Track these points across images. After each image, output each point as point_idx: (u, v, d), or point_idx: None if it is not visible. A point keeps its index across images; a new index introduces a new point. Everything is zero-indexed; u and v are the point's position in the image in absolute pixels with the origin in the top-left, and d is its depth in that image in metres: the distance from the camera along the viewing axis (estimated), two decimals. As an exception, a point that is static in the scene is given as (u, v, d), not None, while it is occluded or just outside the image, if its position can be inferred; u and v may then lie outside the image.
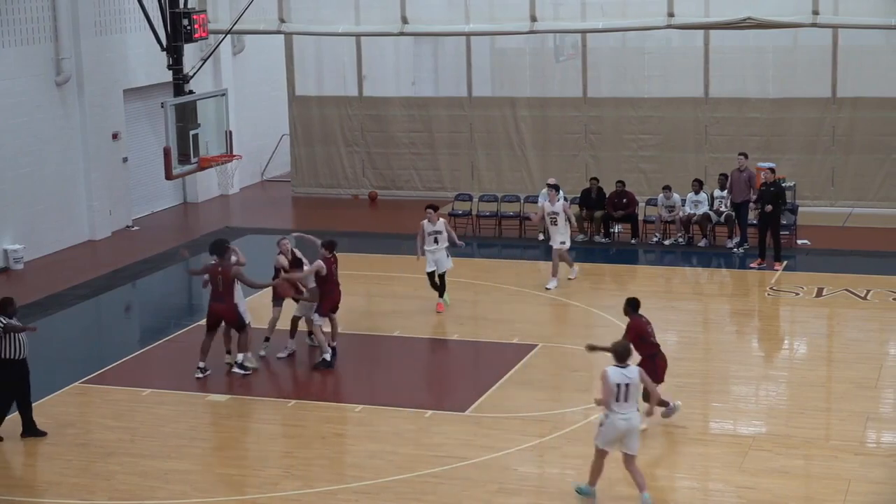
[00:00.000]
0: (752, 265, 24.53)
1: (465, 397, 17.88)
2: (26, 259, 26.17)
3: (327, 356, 19.00)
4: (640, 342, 15.88)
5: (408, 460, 15.74)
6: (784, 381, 18.79)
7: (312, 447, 16.34)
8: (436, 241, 21.65)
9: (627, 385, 13.91)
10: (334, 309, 19.31)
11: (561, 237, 23.26)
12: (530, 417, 17.00)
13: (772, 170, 24.76)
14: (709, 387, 18.45)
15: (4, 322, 16.29)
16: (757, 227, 24.96)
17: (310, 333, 19.70)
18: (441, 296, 21.90)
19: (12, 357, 16.39)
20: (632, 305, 16.43)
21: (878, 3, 26.41)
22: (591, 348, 15.51)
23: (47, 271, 25.82)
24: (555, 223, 23.29)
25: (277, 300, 19.71)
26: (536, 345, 19.95)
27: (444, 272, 21.90)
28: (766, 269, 24.28)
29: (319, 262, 19.08)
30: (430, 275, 21.81)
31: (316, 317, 19.09)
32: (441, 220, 21.81)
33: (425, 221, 21.70)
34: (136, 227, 29.71)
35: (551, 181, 27.67)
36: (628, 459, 14.19)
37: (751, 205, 25.74)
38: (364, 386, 18.73)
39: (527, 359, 19.38)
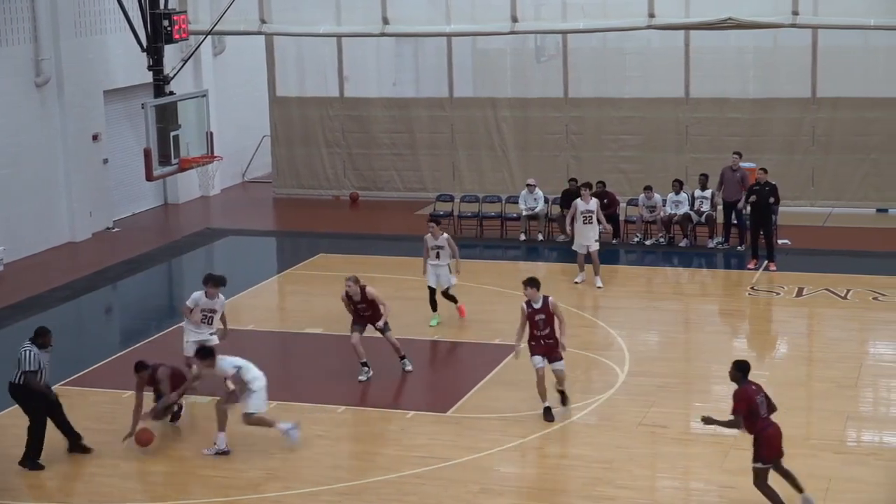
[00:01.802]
0: (748, 266, 24.57)
1: (446, 398, 17.90)
2: (6, 261, 26.07)
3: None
4: (749, 416, 13.85)
5: (390, 461, 15.74)
6: (765, 380, 18.64)
7: (294, 449, 16.31)
8: (438, 255, 21.09)
9: None
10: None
11: (595, 235, 23.53)
12: (512, 418, 17.02)
13: (763, 169, 24.80)
14: (690, 386, 18.50)
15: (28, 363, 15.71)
16: (749, 228, 25.02)
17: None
18: (456, 303, 21.58)
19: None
20: (740, 369, 14.08)
21: (856, 4, 26.52)
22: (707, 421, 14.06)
23: (27, 273, 25.73)
24: (589, 221, 23.45)
25: (357, 325, 18.78)
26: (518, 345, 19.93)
27: (448, 288, 21.35)
28: (759, 269, 24.32)
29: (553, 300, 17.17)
30: (431, 291, 21.32)
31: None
32: (444, 234, 21.16)
33: (428, 235, 21.21)
34: (116, 229, 29.63)
35: (530, 181, 27.81)
36: None
37: (741, 203, 25.78)
38: (346, 387, 18.70)
39: (508, 359, 19.36)
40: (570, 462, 15.63)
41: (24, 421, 16.08)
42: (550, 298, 17.01)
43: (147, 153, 23.44)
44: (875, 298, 22.38)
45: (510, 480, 15.43)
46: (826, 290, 22.92)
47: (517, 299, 22.57)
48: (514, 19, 28.25)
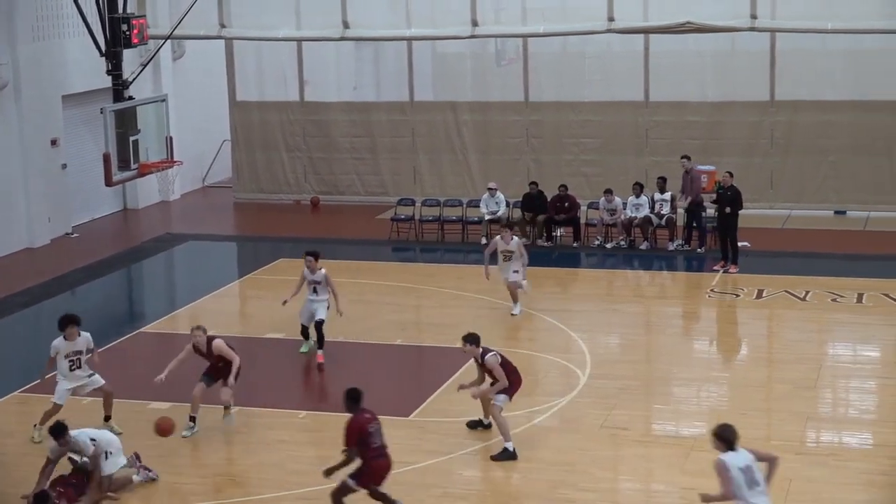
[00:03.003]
0: (714, 267, 24.69)
1: (408, 402, 17.88)
2: (-36, 267, 25.89)
3: (509, 446, 15.97)
4: (360, 445, 13.70)
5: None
6: (725, 382, 18.95)
7: (256, 454, 16.26)
8: (315, 290, 19.64)
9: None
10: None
11: (514, 267, 21.67)
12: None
13: (729, 173, 24.91)
14: (651, 389, 18.56)
15: None
16: (717, 231, 25.20)
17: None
18: (320, 347, 19.73)
19: None
20: (351, 398, 13.96)
21: (814, 8, 26.72)
22: (330, 472, 13.82)
23: (-15, 279, 25.53)
24: (509, 259, 21.68)
25: (206, 376, 17.10)
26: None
27: (321, 323, 19.67)
28: (728, 271, 24.45)
29: (492, 357, 16.19)
30: (303, 327, 19.98)
31: (501, 398, 16.16)
32: (322, 270, 19.68)
33: (305, 270, 19.78)
34: (75, 235, 29.42)
35: (491, 185, 27.84)
36: None
37: (684, 206, 26.00)
38: (307, 392, 18.67)
39: (470, 363, 19.31)
40: (532, 465, 15.63)
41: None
42: (488, 356, 16.16)
43: (106, 158, 23.32)
44: (834, 300, 22.53)
45: (473, 484, 15.44)
46: (785, 291, 23.05)
47: (478, 302, 22.70)
48: (474, 23, 28.28)
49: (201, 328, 16.96)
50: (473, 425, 16.77)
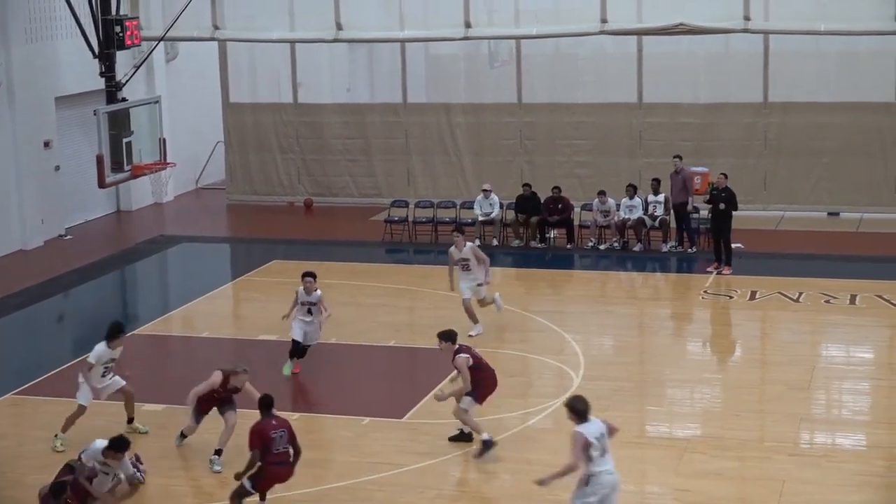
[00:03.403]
0: (708, 269, 24.69)
1: (402, 404, 17.87)
2: (-43, 269, 25.84)
3: (485, 436, 15.97)
4: (263, 450, 13.93)
5: (345, 468, 15.71)
6: (718, 383, 18.96)
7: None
8: (309, 311, 18.92)
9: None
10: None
11: (476, 280, 20.78)
12: (468, 423, 17.00)
13: (724, 175, 24.90)
14: (644, 390, 18.57)
15: None
16: (710, 233, 25.22)
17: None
18: (292, 358, 19.27)
19: None
20: (263, 404, 14.23)
21: (807, 10, 26.77)
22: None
23: (-22, 281, 25.49)
24: (467, 269, 20.72)
25: (198, 415, 16.43)
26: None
27: (311, 345, 19.25)
28: (721, 273, 24.46)
29: (462, 358, 16.00)
30: (295, 343, 19.17)
31: (467, 400, 16.08)
32: (318, 291, 18.97)
33: (301, 289, 19.01)
34: (68, 237, 29.38)
35: (486, 187, 27.84)
36: None
37: (692, 206, 26.04)
38: (301, 394, 18.66)
39: (463, 365, 19.37)
40: (525, 467, 15.61)
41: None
42: (459, 356, 16.01)
43: (99, 160, 23.32)
44: (827, 301, 22.55)
45: (466, 486, 15.44)
46: (779, 293, 23.07)
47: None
48: (468, 25, 28.31)
49: (247, 371, 16.08)
50: (456, 439, 16.47)
